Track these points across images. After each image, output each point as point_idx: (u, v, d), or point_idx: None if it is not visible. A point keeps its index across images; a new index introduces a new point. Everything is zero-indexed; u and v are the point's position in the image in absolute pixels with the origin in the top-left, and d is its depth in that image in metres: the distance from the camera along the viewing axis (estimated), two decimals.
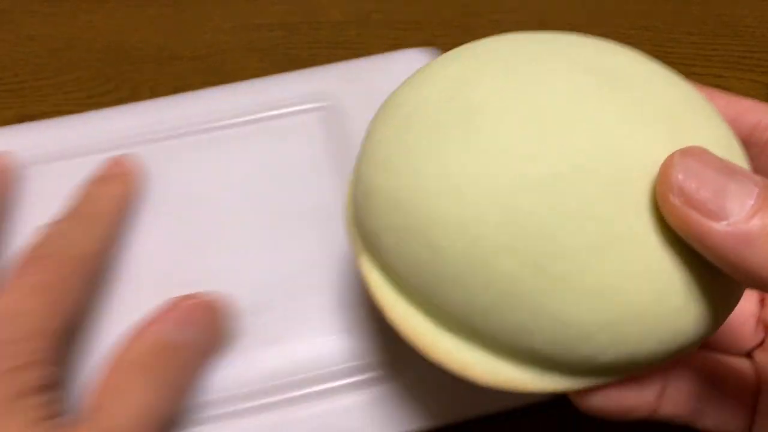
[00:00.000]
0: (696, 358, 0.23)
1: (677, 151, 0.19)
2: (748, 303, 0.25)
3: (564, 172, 0.19)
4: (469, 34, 0.46)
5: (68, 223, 0.28)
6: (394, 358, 0.29)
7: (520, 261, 0.19)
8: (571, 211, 0.19)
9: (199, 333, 0.27)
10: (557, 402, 0.24)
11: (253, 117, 0.37)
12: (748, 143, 0.23)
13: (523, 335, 0.20)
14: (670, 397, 0.22)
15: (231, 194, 0.34)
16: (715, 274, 0.19)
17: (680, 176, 0.18)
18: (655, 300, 0.19)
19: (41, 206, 0.30)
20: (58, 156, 0.34)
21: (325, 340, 0.29)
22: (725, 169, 0.18)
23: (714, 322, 0.20)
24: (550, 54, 0.21)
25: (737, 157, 0.21)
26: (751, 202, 0.17)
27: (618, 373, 0.21)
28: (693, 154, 0.18)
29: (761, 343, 0.25)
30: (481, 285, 0.19)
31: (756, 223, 0.17)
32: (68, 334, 0.26)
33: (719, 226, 0.17)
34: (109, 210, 0.30)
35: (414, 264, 0.21)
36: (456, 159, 0.20)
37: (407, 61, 0.39)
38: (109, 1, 0.49)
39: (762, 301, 0.25)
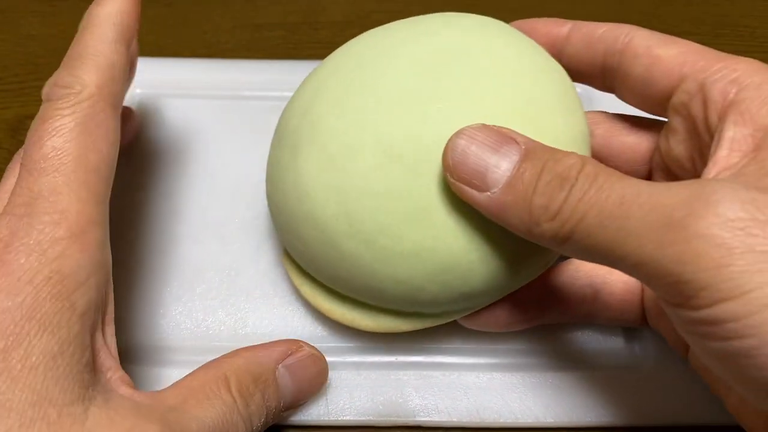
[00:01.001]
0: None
1: (455, 133, 0.22)
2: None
3: (376, 164, 0.24)
4: None
5: (64, 69, 0.25)
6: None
7: (356, 240, 0.25)
8: (383, 194, 0.24)
9: (297, 387, 0.27)
10: None
11: None
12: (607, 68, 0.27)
13: (377, 294, 0.26)
14: (550, 311, 0.28)
15: None
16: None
17: (450, 156, 0.22)
18: (464, 253, 0.24)
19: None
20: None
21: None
22: (491, 143, 0.22)
23: (522, 267, 0.26)
24: (388, 54, 0.26)
25: (545, 111, 0.25)
26: (508, 174, 0.21)
27: (462, 311, 0.28)
28: (463, 133, 0.22)
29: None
30: (336, 262, 0.26)
31: (509, 192, 0.21)
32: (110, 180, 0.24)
33: (483, 197, 0.22)
34: (103, 36, 0.25)
35: (297, 253, 0.28)
36: (303, 169, 0.25)
37: None
38: None
39: None
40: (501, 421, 0.28)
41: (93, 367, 0.21)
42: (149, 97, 0.40)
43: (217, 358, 0.25)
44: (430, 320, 0.28)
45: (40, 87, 0.43)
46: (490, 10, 0.47)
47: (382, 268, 0.25)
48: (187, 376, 0.24)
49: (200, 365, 0.25)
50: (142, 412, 0.21)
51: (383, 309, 0.28)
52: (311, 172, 0.25)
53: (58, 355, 0.19)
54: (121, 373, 0.22)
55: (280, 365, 0.26)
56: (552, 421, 0.28)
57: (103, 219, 0.22)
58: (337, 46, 0.46)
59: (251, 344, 0.27)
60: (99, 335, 0.22)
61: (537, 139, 0.22)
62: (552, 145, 0.22)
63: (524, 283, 0.27)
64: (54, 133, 0.22)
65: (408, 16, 0.47)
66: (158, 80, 0.41)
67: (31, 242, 0.20)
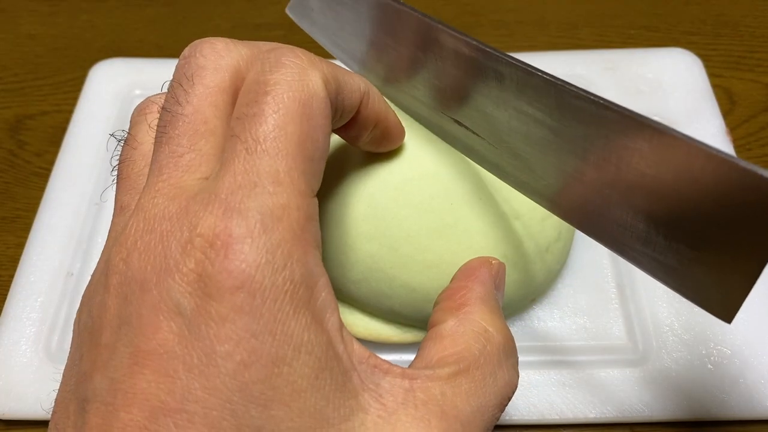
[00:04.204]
0: None
1: None
2: None
3: (412, 177, 0.26)
4: (468, 34, 0.46)
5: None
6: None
7: (379, 243, 0.26)
8: (414, 206, 0.26)
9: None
10: None
11: None
12: None
13: (385, 300, 0.27)
14: None
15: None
16: (527, 253, 0.27)
17: None
18: None
19: None
20: None
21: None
22: None
23: (531, 289, 0.28)
24: None
25: None
26: None
27: None
28: None
29: None
30: (352, 263, 0.26)
31: None
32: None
33: None
34: None
35: None
36: (334, 170, 0.26)
37: (668, 58, 0.40)
38: (108, 0, 0.48)
39: None
40: (506, 419, 0.28)
41: (350, 370, 0.18)
42: None
43: (449, 307, 0.22)
44: (424, 334, 0.28)
45: (40, 87, 0.44)
46: (489, 10, 0.47)
47: (400, 275, 0.26)
48: (435, 337, 0.21)
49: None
50: (420, 412, 0.19)
51: (377, 317, 0.28)
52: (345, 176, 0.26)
53: (319, 372, 0.17)
54: (373, 360, 0.19)
55: (493, 285, 0.23)
56: (557, 417, 0.28)
57: (316, 216, 0.19)
58: None
59: None
60: (340, 335, 0.19)
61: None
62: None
63: (513, 315, 0.30)
64: (279, 108, 0.18)
65: None
66: (158, 81, 0.40)
67: (256, 246, 0.17)
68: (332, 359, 0.18)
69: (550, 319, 0.31)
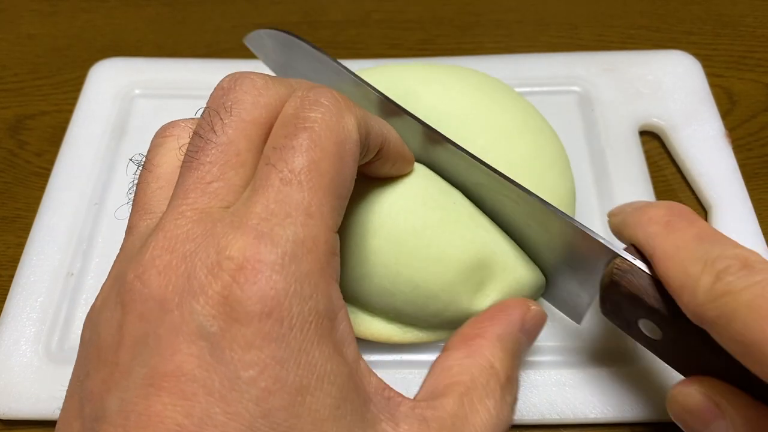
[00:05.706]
0: None
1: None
2: None
3: (416, 174, 0.27)
4: (467, 34, 0.47)
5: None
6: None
7: (385, 239, 0.26)
8: (420, 202, 0.26)
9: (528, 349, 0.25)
10: None
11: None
12: None
13: (388, 297, 0.27)
14: None
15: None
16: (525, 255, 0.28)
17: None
18: (476, 266, 0.26)
19: None
20: None
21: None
22: None
23: (529, 293, 0.28)
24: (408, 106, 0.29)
25: (545, 167, 0.29)
26: None
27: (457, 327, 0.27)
28: None
29: None
30: (357, 259, 0.27)
31: None
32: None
33: None
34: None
35: None
36: None
37: (668, 60, 0.40)
38: (108, 0, 0.48)
39: None
40: None
41: (368, 401, 0.19)
42: (148, 98, 0.40)
43: (466, 335, 0.23)
44: (425, 334, 0.29)
45: (40, 86, 0.44)
46: (489, 10, 0.47)
47: (404, 270, 0.26)
48: (443, 364, 0.22)
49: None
50: None
51: (378, 316, 0.29)
52: None
53: (340, 402, 0.18)
54: (387, 392, 0.20)
55: (520, 333, 0.24)
56: (557, 417, 0.28)
57: (338, 251, 0.20)
58: (338, 46, 0.47)
59: None
60: (359, 366, 0.19)
61: (536, 192, 0.25)
62: (547, 199, 0.25)
63: None
64: (316, 144, 0.19)
65: (407, 17, 0.47)
66: (158, 80, 0.41)
67: (286, 274, 0.17)
68: (352, 390, 0.18)
69: (550, 319, 0.30)
